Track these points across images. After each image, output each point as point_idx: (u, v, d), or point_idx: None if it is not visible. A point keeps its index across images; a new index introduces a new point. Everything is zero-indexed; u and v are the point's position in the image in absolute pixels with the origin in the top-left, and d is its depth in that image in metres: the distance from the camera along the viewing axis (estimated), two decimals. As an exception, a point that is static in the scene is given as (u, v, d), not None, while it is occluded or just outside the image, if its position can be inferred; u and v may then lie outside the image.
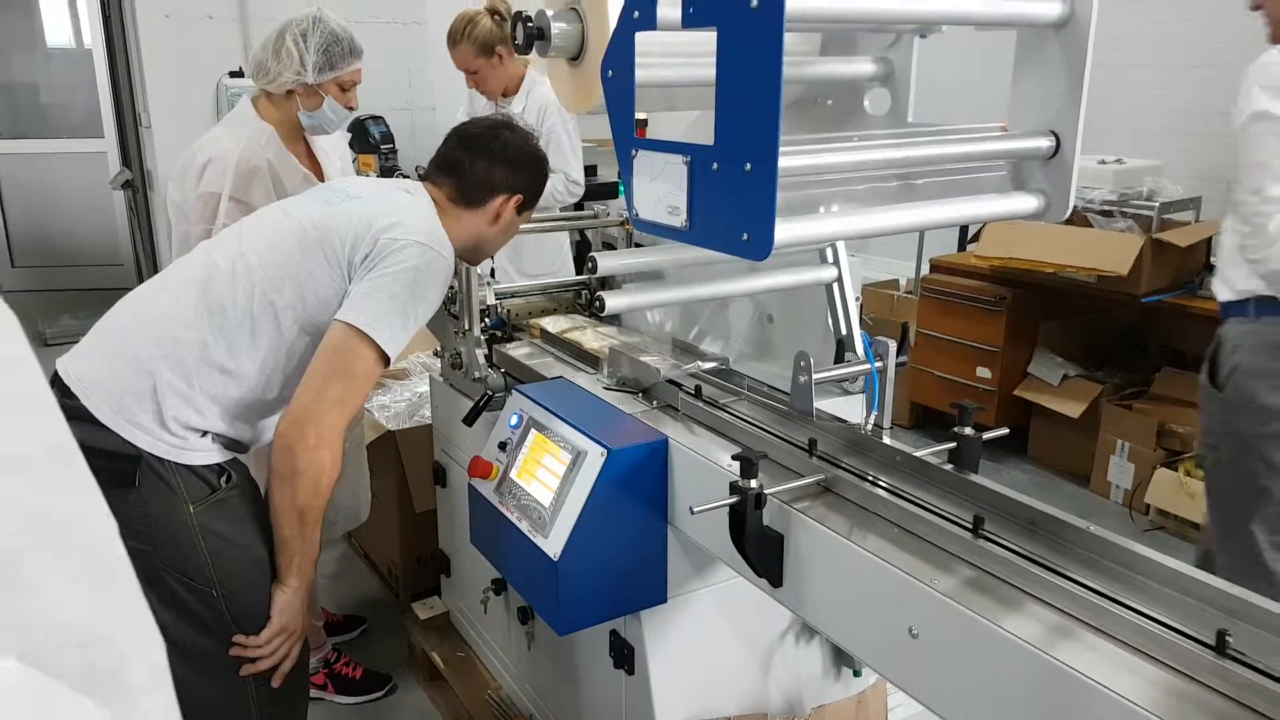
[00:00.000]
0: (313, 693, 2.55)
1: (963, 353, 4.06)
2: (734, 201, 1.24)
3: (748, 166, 1.20)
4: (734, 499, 1.33)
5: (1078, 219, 3.98)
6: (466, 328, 2.21)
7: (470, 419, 2.15)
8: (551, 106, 3.39)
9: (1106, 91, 3.98)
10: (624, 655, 1.72)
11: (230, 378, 1.59)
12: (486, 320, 2.27)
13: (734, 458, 1.34)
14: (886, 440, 1.49)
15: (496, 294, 2.34)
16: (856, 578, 1.25)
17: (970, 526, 1.24)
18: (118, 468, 1.50)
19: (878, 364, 1.55)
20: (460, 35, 3.27)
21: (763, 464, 1.51)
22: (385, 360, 1.61)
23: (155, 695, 0.36)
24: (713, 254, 1.67)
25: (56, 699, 0.31)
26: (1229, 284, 2.20)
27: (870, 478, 1.40)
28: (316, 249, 1.62)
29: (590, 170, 6.21)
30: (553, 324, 2.32)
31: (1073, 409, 3.77)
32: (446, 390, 2.42)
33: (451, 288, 2.24)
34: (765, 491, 1.34)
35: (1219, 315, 2.26)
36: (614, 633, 1.75)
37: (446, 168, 1.83)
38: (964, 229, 5.02)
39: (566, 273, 3.52)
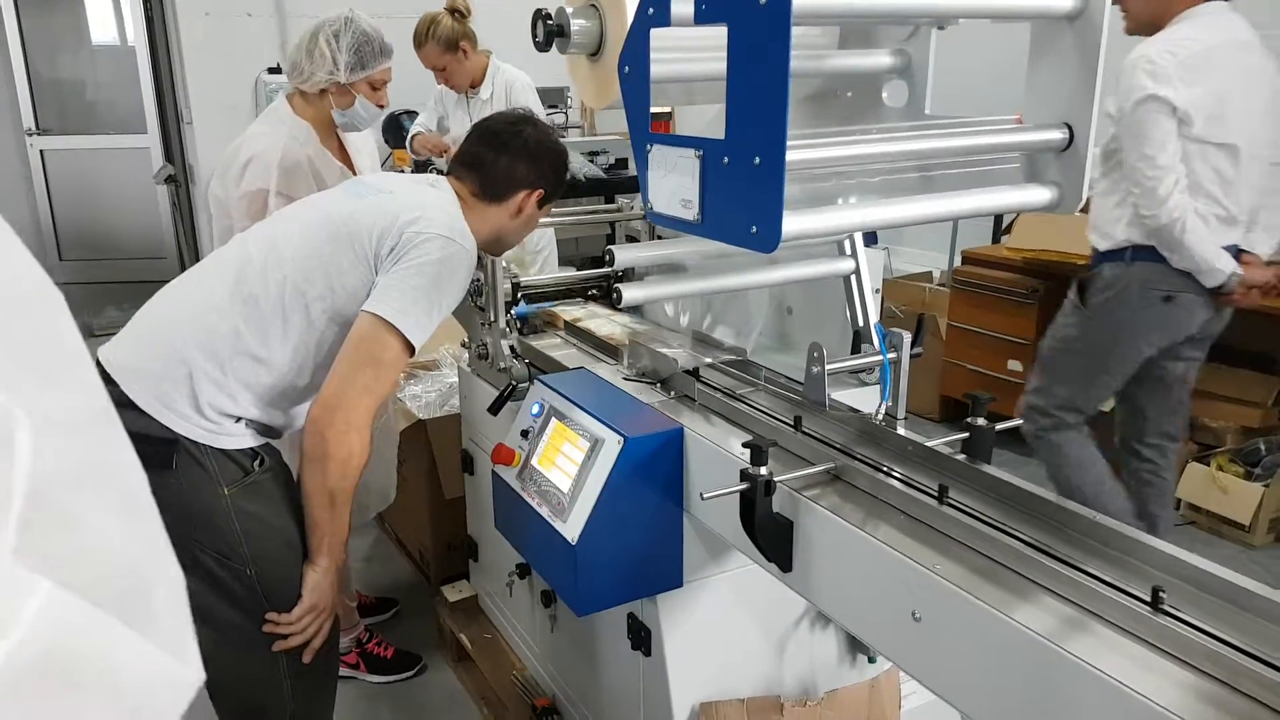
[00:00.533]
0: (345, 671, 2.63)
1: (994, 345, 4.05)
2: (743, 194, 1.27)
3: (756, 160, 1.23)
4: (744, 486, 1.36)
5: (1111, 210, 3.94)
6: (492, 319, 2.26)
7: (495, 408, 2.20)
8: (517, 84, 3.54)
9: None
10: (641, 637, 1.77)
11: (263, 366, 1.65)
12: (512, 313, 2.31)
13: (744, 445, 1.37)
14: (900, 430, 1.52)
15: (520, 289, 2.38)
16: (862, 563, 1.28)
17: (936, 494, 1.29)
18: (156, 451, 1.57)
19: (891, 355, 1.57)
20: (425, 36, 3.45)
21: (775, 452, 1.54)
22: (411, 349, 1.66)
23: (174, 618, 0.42)
24: (729, 247, 1.70)
25: (96, 623, 0.36)
26: (1107, 237, 2.64)
27: (881, 467, 1.43)
28: (345, 242, 1.67)
29: (622, 164, 6.27)
30: (573, 312, 2.37)
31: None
32: (473, 380, 2.47)
33: (477, 280, 2.29)
34: (775, 479, 1.36)
35: (1091, 261, 2.74)
36: (632, 615, 1.79)
37: (471, 164, 1.87)
38: (997, 220, 4.98)
39: (550, 255, 3.60)
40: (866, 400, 1.76)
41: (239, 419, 1.66)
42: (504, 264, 2.23)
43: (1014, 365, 3.99)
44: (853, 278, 1.84)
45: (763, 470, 1.35)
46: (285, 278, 1.66)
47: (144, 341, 1.66)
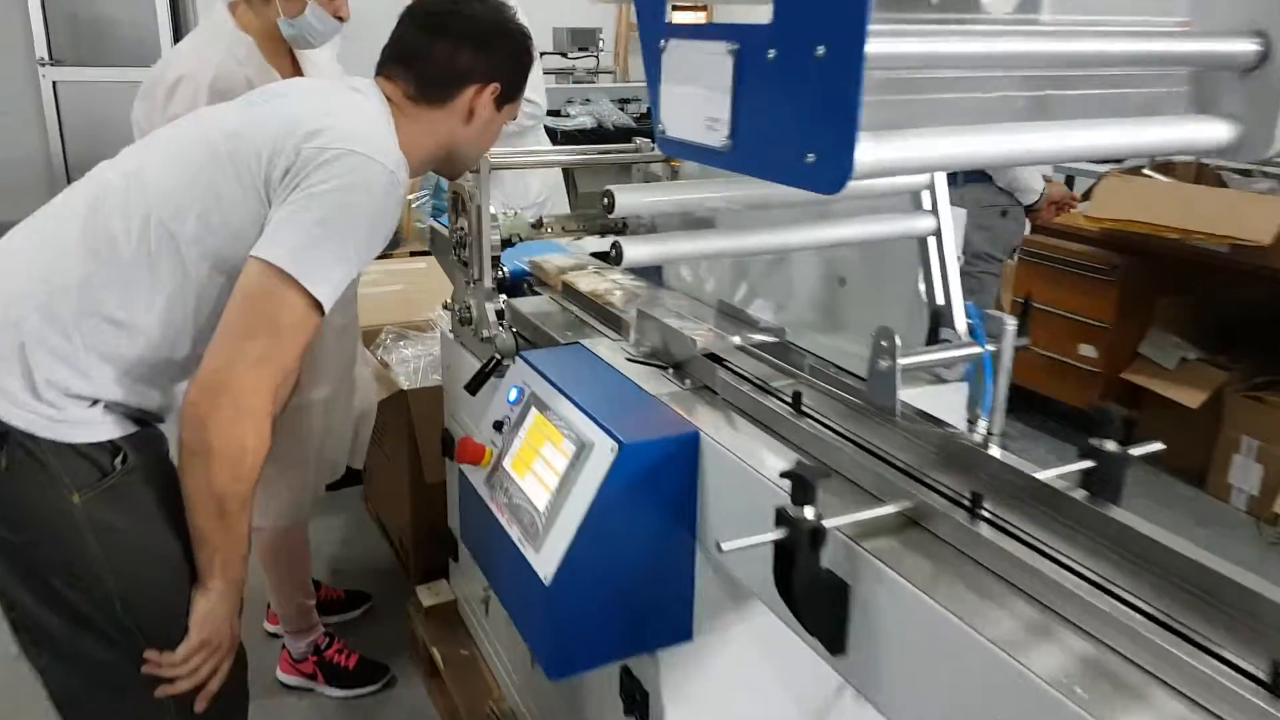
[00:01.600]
0: (300, 682, 2.29)
1: (1065, 327, 3.57)
2: (797, 106, 0.85)
3: (820, 51, 0.81)
4: (781, 533, 0.95)
5: (1209, 177, 3.45)
6: (477, 277, 1.86)
7: (474, 386, 1.80)
8: None
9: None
10: (636, 701, 1.37)
11: (124, 332, 1.25)
12: (502, 270, 1.90)
13: (784, 475, 0.96)
14: (995, 453, 1.09)
15: (522, 234, 1.96)
16: (952, 662, 0.87)
17: (1057, 559, 0.81)
18: None
19: (990, 347, 1.15)
20: None
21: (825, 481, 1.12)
22: (319, 308, 1.26)
23: None
24: (769, 190, 1.28)
25: None
26: None
27: (978, 509, 1.01)
28: (226, 163, 1.26)
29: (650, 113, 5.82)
30: (570, 268, 1.96)
31: (1191, 398, 3.27)
32: (456, 349, 2.08)
33: (461, 229, 1.89)
34: (825, 524, 0.95)
35: None
36: (626, 670, 1.39)
37: (402, 57, 1.44)
38: (1068, 185, 4.48)
39: (559, 206, 3.14)
40: (944, 403, 1.33)
41: (94, 401, 1.26)
42: (492, 211, 1.81)
43: (1086, 350, 3.53)
44: (931, 240, 1.40)
45: (808, 512, 0.94)
46: (150, 214, 1.25)
47: None
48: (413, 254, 3.57)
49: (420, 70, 1.42)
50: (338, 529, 3.03)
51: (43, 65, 6.87)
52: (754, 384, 1.35)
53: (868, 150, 0.80)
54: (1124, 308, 3.44)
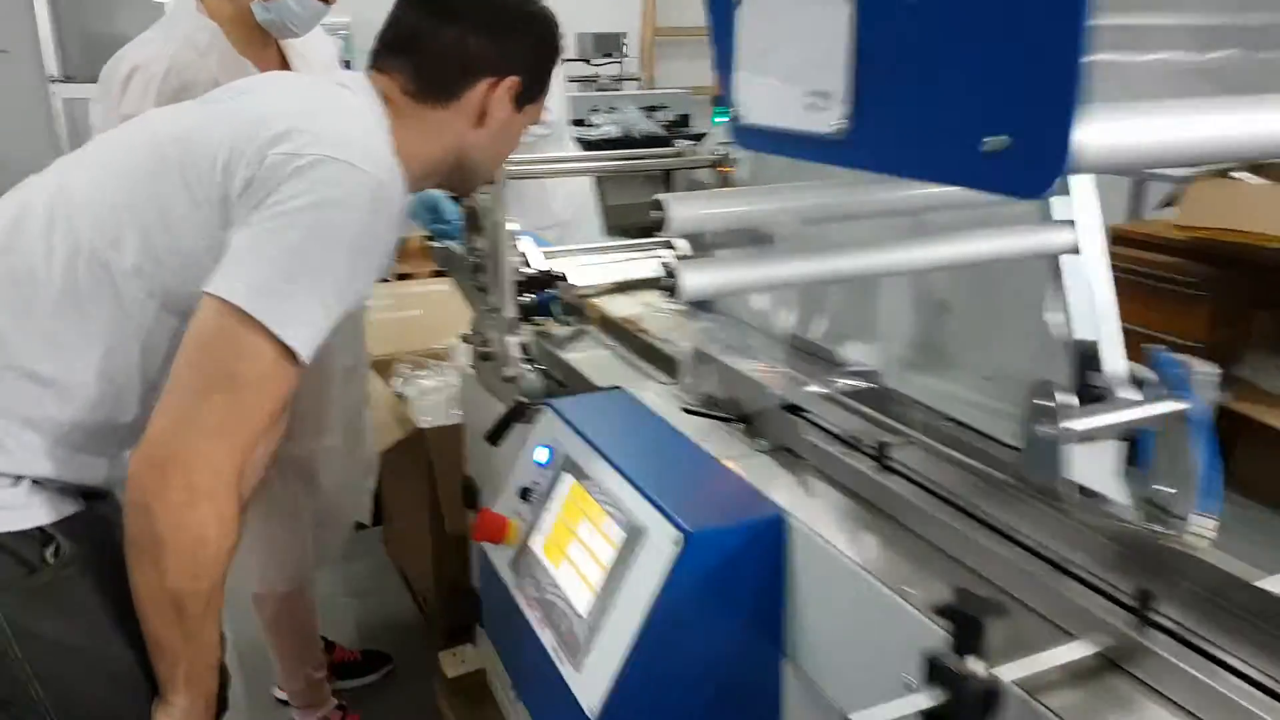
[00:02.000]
0: (308, 764, 2.02)
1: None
2: (970, 65, 0.56)
3: (1013, -21, 0.52)
4: (938, 696, 0.65)
5: (1311, 177, 3.12)
6: (497, 306, 1.59)
7: (495, 436, 1.52)
8: None
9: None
10: None
11: (51, 391, 1.00)
12: (529, 297, 1.63)
13: (941, 612, 0.66)
14: (1206, 556, 0.79)
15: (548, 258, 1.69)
16: None
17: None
18: None
19: (1184, 404, 0.85)
20: None
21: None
22: (293, 355, 0.98)
23: None
24: (861, 199, 1.01)
25: None
26: None
27: (1195, 642, 0.71)
28: (174, 175, 1.01)
29: (683, 120, 5.55)
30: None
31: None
32: (477, 387, 1.80)
33: (479, 251, 1.62)
34: (1001, 676, 0.66)
35: None
36: (688, 808, 1.10)
37: (399, 45, 1.18)
38: (1139, 189, 4.15)
39: (589, 223, 2.84)
40: (1087, 469, 1.03)
41: (16, 479, 1.01)
42: (514, 229, 1.55)
43: (1174, 371, 3.20)
44: (1065, 260, 1.11)
45: (976, 666, 0.64)
46: (79, 242, 1.00)
47: None
48: (434, 274, 3.32)
49: (421, 60, 1.15)
50: (355, 576, 2.76)
51: (54, 82, 6.75)
52: (848, 445, 1.06)
53: (1097, 130, 0.51)
54: (1217, 325, 3.11)
